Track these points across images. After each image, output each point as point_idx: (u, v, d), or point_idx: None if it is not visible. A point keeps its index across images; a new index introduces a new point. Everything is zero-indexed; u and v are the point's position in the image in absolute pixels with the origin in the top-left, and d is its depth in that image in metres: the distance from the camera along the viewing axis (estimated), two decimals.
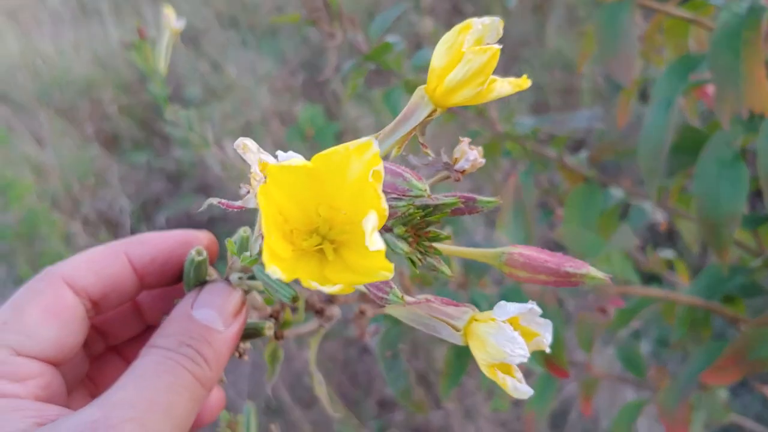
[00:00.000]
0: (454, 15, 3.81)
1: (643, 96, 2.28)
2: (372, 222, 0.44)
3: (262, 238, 0.46)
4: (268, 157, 0.50)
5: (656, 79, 1.12)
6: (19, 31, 4.89)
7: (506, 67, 3.47)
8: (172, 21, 1.23)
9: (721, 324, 1.31)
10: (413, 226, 0.51)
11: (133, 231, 3.40)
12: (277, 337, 0.68)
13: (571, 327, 1.12)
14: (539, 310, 0.51)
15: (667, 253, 1.56)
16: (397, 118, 0.57)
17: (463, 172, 0.58)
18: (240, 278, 0.61)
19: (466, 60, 0.53)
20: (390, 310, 0.54)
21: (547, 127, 1.26)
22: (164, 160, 3.75)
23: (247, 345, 0.66)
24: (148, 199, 3.63)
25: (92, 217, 3.47)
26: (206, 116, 3.60)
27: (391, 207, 0.49)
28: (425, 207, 0.51)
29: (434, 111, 0.56)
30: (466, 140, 0.58)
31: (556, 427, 2.26)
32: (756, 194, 1.03)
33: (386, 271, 0.45)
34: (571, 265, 0.52)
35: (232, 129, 3.49)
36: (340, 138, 3.12)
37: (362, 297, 0.79)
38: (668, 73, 1.06)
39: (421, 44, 3.06)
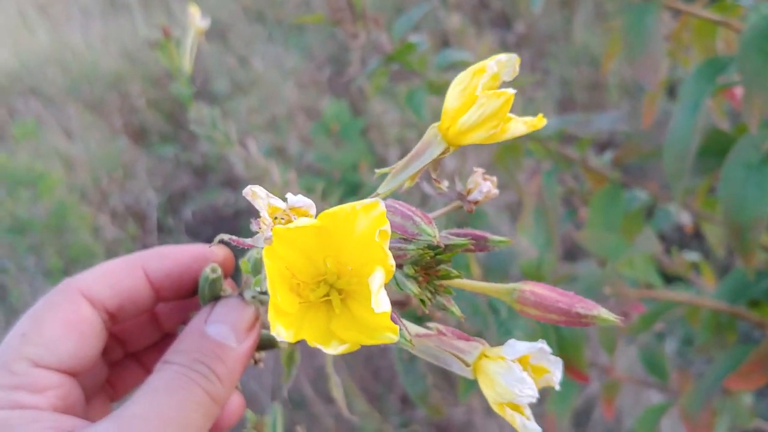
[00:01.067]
0: (480, 10, 3.79)
1: (671, 93, 2.25)
2: (378, 281, 0.44)
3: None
4: (277, 201, 0.51)
5: (684, 79, 1.11)
6: (49, 25, 4.93)
7: (533, 62, 3.46)
8: (197, 19, 1.24)
9: (746, 328, 1.30)
10: (423, 265, 0.51)
11: (160, 224, 3.43)
12: None
13: (594, 327, 1.11)
14: (549, 349, 0.51)
15: (693, 256, 1.55)
16: (410, 154, 0.57)
17: (476, 202, 0.58)
18: (254, 297, 0.61)
19: (479, 104, 0.53)
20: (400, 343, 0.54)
21: (571, 128, 1.25)
22: (191, 153, 3.77)
23: (262, 354, 0.66)
24: (175, 192, 3.65)
25: (120, 209, 3.50)
26: (232, 110, 3.63)
27: (400, 249, 0.50)
28: (435, 248, 0.51)
29: (447, 149, 0.56)
30: (479, 171, 0.58)
31: (579, 425, 2.25)
32: None
33: (392, 333, 0.45)
34: (583, 306, 0.52)
35: (258, 123, 3.50)
36: (365, 134, 3.12)
37: None
38: (696, 76, 1.05)
39: (447, 41, 3.05)
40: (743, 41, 0.97)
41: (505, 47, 3.47)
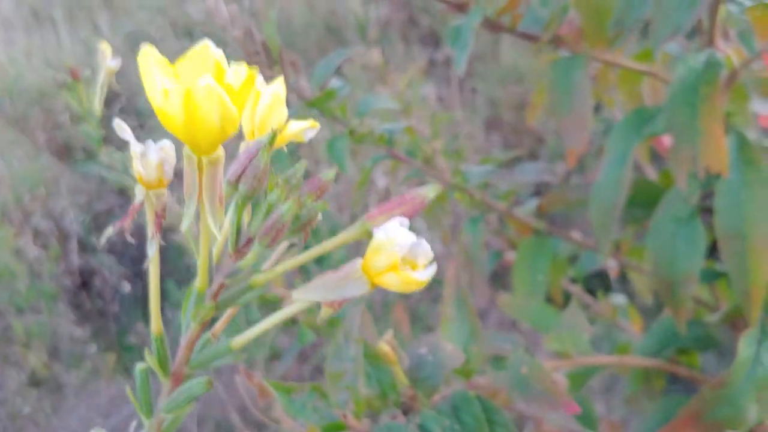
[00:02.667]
0: (409, 27, 3.77)
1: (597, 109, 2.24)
2: None
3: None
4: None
5: (610, 123, 1.09)
6: None
7: (461, 81, 3.45)
8: (108, 59, 1.17)
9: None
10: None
11: (83, 244, 3.34)
12: None
13: None
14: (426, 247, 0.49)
15: (619, 299, 1.53)
16: None
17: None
18: None
19: None
20: (297, 295, 0.51)
21: (494, 180, 1.22)
22: (116, 171, 3.67)
23: None
24: (100, 211, 3.57)
25: (43, 228, 3.41)
26: (158, 127, 3.55)
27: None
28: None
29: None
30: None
31: None
32: (714, 247, 1.00)
33: None
34: (414, 192, 0.52)
35: None
36: (296, 152, 3.09)
37: None
38: (623, 127, 1.02)
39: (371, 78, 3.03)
40: (671, 94, 0.94)
41: (433, 66, 3.46)
